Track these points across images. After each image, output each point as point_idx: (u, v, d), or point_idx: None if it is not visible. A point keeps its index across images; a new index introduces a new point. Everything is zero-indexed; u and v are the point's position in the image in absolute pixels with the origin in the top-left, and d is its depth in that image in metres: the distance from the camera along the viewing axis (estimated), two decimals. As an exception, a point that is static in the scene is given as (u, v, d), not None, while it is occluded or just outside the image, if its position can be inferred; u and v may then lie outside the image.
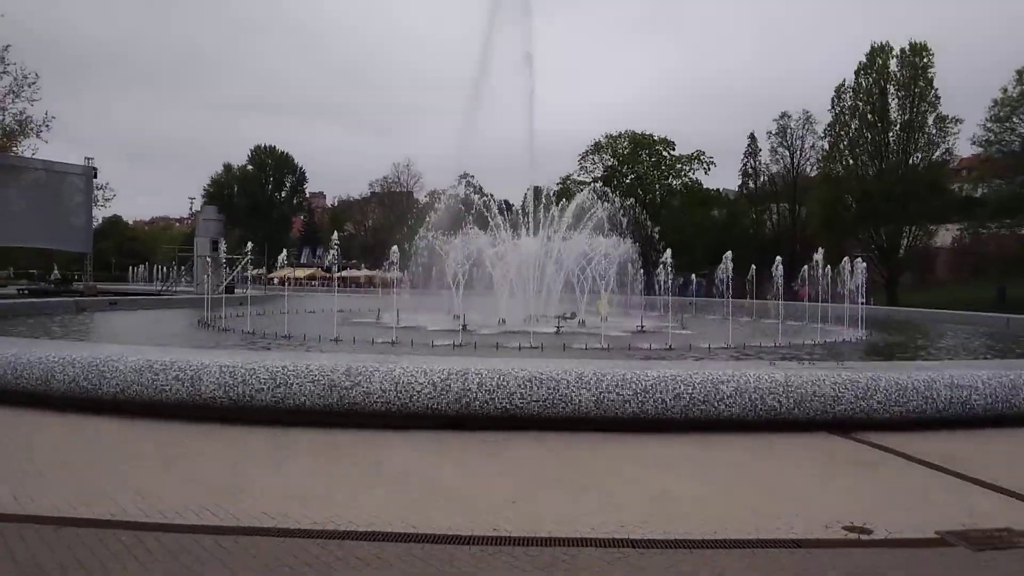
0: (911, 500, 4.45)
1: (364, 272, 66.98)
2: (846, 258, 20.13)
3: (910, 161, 49.12)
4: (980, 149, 48.09)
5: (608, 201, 24.12)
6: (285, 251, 20.81)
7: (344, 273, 72.21)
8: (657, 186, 67.94)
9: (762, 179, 66.48)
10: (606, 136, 69.15)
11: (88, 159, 35.20)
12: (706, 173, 68.50)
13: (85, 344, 9.20)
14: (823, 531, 3.78)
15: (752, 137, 65.82)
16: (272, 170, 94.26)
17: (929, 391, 6.42)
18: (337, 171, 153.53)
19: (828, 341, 15.03)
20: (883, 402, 6.31)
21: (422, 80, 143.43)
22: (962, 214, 53.21)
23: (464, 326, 15.08)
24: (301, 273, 72.27)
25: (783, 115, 62.40)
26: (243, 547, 3.52)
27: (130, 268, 65.52)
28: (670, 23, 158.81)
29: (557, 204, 23.48)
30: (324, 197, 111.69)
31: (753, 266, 21.57)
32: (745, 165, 66.79)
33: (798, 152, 63.01)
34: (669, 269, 15.52)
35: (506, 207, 23.67)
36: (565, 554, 3.48)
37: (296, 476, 4.77)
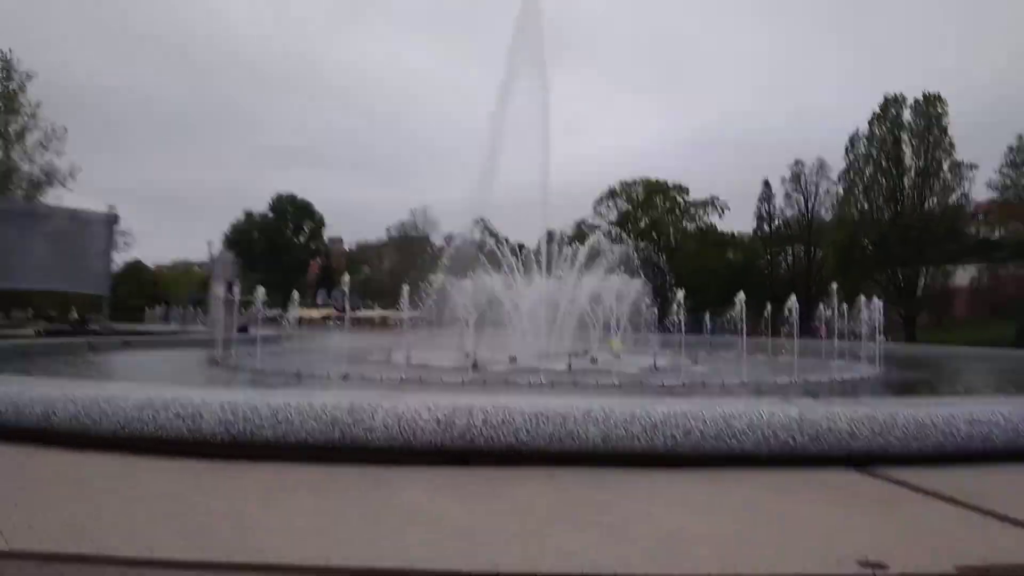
0: (929, 535, 4.24)
1: (379, 312, 67.18)
2: (862, 295, 19.93)
3: (926, 205, 49.03)
4: (996, 193, 47.97)
5: (621, 242, 24.14)
6: (296, 292, 20.82)
7: (359, 313, 72.61)
8: (671, 229, 68.10)
9: (777, 223, 66.54)
10: (620, 183, 69.67)
11: (111, 207, 35.90)
12: (720, 217, 68.85)
13: (87, 381, 9.15)
14: (836, 567, 3.59)
15: (766, 183, 66.33)
16: (291, 217, 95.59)
17: (948, 427, 6.21)
18: (356, 218, 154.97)
19: (845, 378, 14.75)
20: (901, 438, 6.11)
21: (441, 128, 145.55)
22: (979, 256, 52.90)
23: (475, 364, 14.97)
24: (317, 314, 72.56)
25: (797, 162, 62.98)
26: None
27: (145, 308, 66.04)
28: (680, 77, 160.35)
29: (570, 244, 23.51)
30: (342, 242, 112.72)
31: (769, 304, 21.38)
32: (760, 209, 67.02)
33: (812, 197, 63.23)
34: (681, 308, 15.41)
35: (518, 249, 23.70)
36: (566, 592, 3.32)
37: (294, 513, 4.63)
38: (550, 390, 11.18)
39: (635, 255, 24.35)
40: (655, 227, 66.34)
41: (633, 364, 16.44)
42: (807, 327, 23.91)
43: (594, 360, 16.86)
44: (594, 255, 22.67)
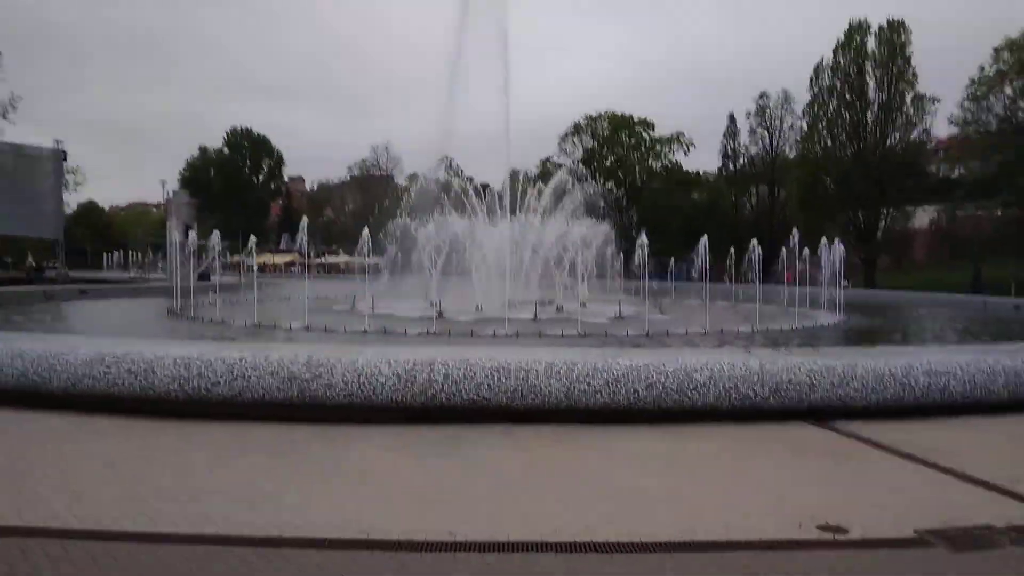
0: (888, 495, 4.27)
1: (343, 258, 66.48)
2: (824, 240, 20.08)
3: (888, 142, 49.02)
4: (957, 129, 48.03)
5: (586, 181, 23.89)
6: (254, 237, 20.35)
7: (323, 259, 71.77)
8: (637, 168, 67.75)
9: (742, 161, 66.44)
10: (586, 117, 68.77)
11: (58, 141, 34.33)
12: (686, 155, 68.61)
13: (35, 336, 8.85)
14: (797, 531, 3.58)
15: (731, 118, 65.86)
16: (249, 153, 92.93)
17: (907, 378, 6.27)
18: (316, 155, 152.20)
19: (807, 326, 14.95)
20: (860, 389, 6.15)
21: (401, 60, 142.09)
22: (939, 196, 53.40)
23: (440, 313, 14.86)
24: (280, 260, 71.60)
25: (762, 95, 62.40)
26: (174, 556, 3.28)
27: (104, 255, 64.50)
28: (648, 4, 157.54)
29: (534, 186, 23.22)
30: (303, 181, 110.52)
31: (732, 249, 21.48)
32: (725, 146, 66.75)
33: (777, 133, 63.07)
34: (645, 252, 15.36)
35: (483, 190, 23.34)
36: (524, 560, 3.27)
37: (246, 476, 4.52)
38: (515, 341, 11.12)
39: (601, 197, 24.18)
40: (620, 165, 65.99)
41: (599, 313, 16.46)
42: (770, 271, 24.12)
43: (560, 309, 16.86)
44: (559, 195, 22.44)
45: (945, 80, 54.15)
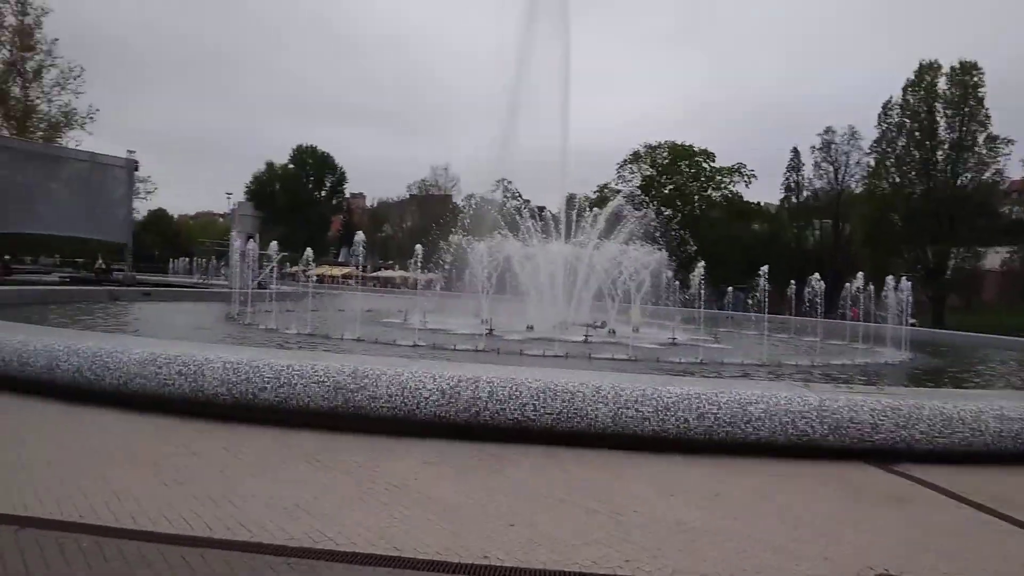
0: (952, 544, 3.99)
1: (399, 273, 67.26)
2: (890, 277, 19.40)
3: (958, 181, 47.67)
4: (1032, 171, 46.44)
5: (644, 207, 23.68)
6: (310, 249, 20.70)
7: (380, 273, 72.80)
8: (696, 197, 66.94)
9: (805, 194, 65.12)
10: (645, 146, 68.31)
11: (130, 152, 35.67)
12: (747, 186, 67.47)
13: (92, 334, 9.06)
14: (851, 579, 3.35)
15: (795, 151, 64.72)
16: (313, 170, 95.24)
17: (976, 422, 5.91)
18: (378, 174, 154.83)
19: (870, 362, 14.39)
20: (926, 432, 5.82)
21: (465, 86, 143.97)
22: (1012, 237, 51.57)
23: (490, 330, 14.77)
24: (338, 272, 72.87)
25: (827, 130, 61.24)
26: (206, 562, 3.23)
27: (170, 260, 66.63)
28: (705, 37, 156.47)
29: (591, 210, 23.09)
30: (364, 198, 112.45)
31: (793, 282, 20.93)
32: (788, 179, 65.54)
33: (843, 168, 61.68)
34: (701, 281, 15.04)
35: (538, 212, 23.31)
36: (559, 590, 3.12)
37: (286, 484, 4.47)
38: (564, 362, 10.95)
39: (657, 223, 23.90)
40: (679, 194, 65.29)
41: (651, 338, 16.17)
42: (832, 305, 23.45)
43: (612, 332, 16.60)
44: (615, 220, 22.26)
45: (1019, 121, 52.49)
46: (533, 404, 5.84)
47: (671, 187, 66.14)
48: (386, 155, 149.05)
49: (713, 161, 67.15)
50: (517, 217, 21.32)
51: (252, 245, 21.26)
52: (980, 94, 47.20)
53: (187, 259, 64.23)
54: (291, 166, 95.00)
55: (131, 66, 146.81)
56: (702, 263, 15.59)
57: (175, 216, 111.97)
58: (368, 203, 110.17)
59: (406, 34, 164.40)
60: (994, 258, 52.11)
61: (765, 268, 16.86)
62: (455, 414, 5.92)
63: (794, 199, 65.64)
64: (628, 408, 5.80)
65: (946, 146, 47.95)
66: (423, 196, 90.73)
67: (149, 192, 49.74)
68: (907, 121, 49.23)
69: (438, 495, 4.38)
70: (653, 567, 3.41)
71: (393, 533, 3.67)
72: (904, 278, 20.10)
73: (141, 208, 76.54)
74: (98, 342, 7.13)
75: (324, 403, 6.09)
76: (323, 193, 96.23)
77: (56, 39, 43.00)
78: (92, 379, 6.67)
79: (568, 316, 17.66)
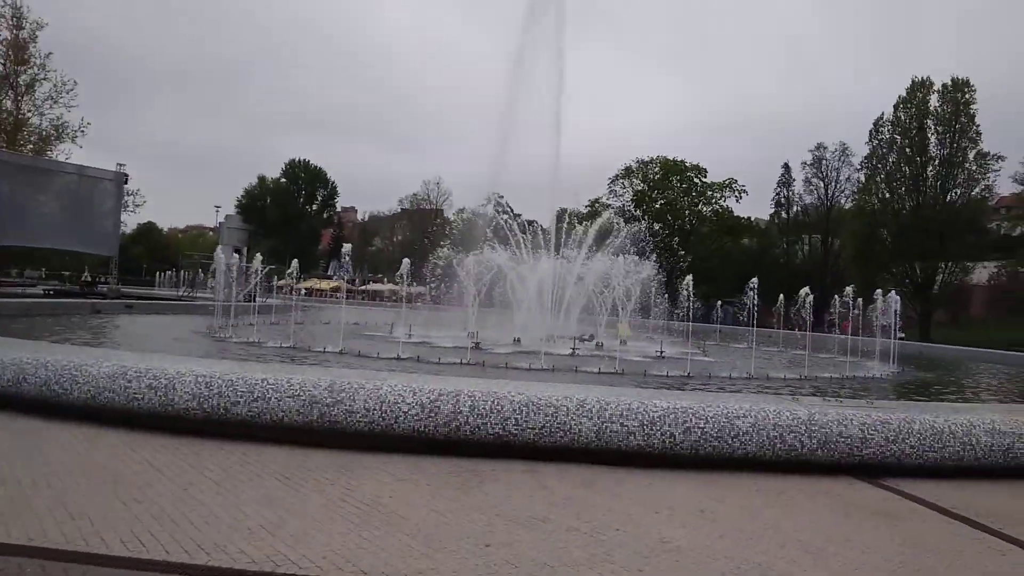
0: (943, 562, 3.82)
1: (388, 286, 66.99)
2: (879, 291, 19.34)
3: (948, 197, 47.99)
4: (1021, 187, 46.88)
5: (634, 221, 23.63)
6: (296, 262, 20.51)
7: (368, 287, 72.51)
8: (687, 212, 67.05)
9: (795, 209, 65.43)
10: (637, 161, 68.47)
11: (120, 165, 35.38)
12: (737, 201, 67.64)
13: (61, 347, 8.82)
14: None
15: (786, 167, 65.11)
16: (305, 183, 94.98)
17: (968, 436, 5.78)
18: (370, 187, 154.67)
19: (859, 376, 14.28)
20: (916, 447, 5.68)
21: (456, 100, 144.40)
22: (1000, 253, 51.92)
23: (477, 344, 14.59)
24: (326, 285, 72.52)
25: (818, 146, 61.80)
26: (158, 588, 3.03)
27: (156, 273, 66.13)
28: (697, 54, 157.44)
29: (581, 224, 22.99)
30: (355, 212, 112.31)
31: (781, 296, 20.85)
32: (778, 194, 65.86)
33: (833, 184, 62.04)
34: (690, 294, 14.93)
35: (528, 226, 23.20)
36: (533, 616, 2.94)
37: (251, 503, 4.27)
38: (550, 375, 10.78)
39: (648, 236, 23.82)
40: (670, 208, 65.37)
41: (640, 351, 16.03)
42: (821, 319, 23.38)
43: (599, 345, 16.46)
44: (605, 234, 22.17)
45: (1007, 137, 53.04)
46: (515, 418, 5.67)
47: (662, 202, 66.20)
48: (379, 169, 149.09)
49: (704, 176, 67.31)
50: (507, 231, 21.19)
51: (236, 258, 21.03)
52: (972, 111, 47.59)
53: (174, 272, 63.75)
54: (283, 180, 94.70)
55: (125, 80, 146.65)
56: (690, 276, 15.46)
57: (164, 230, 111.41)
58: (359, 216, 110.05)
59: (402, 48, 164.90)
60: (981, 273, 52.37)
61: (755, 281, 16.77)
62: (434, 428, 5.73)
63: (784, 214, 65.92)
64: (613, 422, 5.64)
65: (936, 162, 48.27)
66: (414, 210, 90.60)
67: (138, 205, 49.09)
68: (898, 137, 49.61)
69: (412, 514, 4.19)
70: (634, 590, 3.23)
71: (361, 555, 3.48)
72: (892, 292, 20.06)
73: (130, 221, 76.34)
74: (68, 355, 6.91)
75: (299, 418, 5.89)
76: (314, 207, 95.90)
77: (50, 53, 42.88)
78: (60, 392, 6.45)
79: (556, 329, 17.50)
